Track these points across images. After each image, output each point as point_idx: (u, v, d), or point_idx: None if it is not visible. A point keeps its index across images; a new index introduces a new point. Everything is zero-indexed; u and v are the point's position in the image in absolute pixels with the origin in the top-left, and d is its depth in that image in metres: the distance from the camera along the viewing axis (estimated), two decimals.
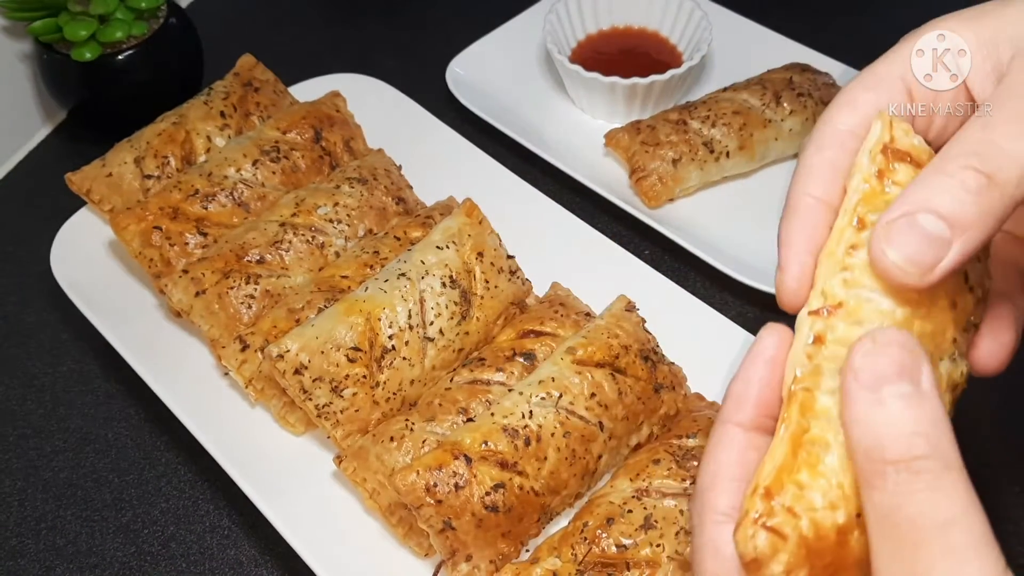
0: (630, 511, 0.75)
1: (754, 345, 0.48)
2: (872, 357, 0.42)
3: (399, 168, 1.03)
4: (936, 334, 0.46)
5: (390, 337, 0.83)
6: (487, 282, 0.88)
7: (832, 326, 0.45)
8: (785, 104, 1.06)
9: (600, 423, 0.79)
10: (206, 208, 0.94)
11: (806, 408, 0.44)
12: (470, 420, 0.80)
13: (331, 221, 0.94)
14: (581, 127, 1.15)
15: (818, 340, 0.45)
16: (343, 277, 0.90)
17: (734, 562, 0.45)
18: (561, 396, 0.79)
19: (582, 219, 0.99)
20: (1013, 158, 0.44)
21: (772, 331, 0.48)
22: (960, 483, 0.41)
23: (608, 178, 1.07)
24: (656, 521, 0.74)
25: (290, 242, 0.92)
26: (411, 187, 1.02)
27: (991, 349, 0.53)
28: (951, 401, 0.48)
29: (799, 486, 0.43)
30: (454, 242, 0.88)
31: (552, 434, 0.77)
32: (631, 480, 0.77)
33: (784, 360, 0.47)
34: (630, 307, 0.87)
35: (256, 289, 0.89)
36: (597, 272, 0.94)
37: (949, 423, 0.42)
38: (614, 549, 0.73)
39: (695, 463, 0.78)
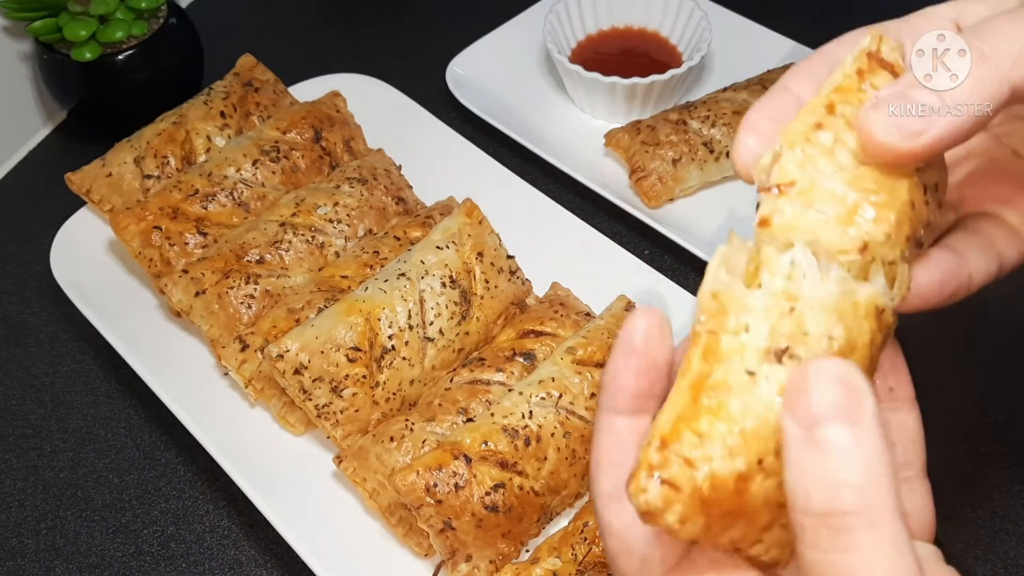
0: None
1: (623, 330, 0.45)
2: (806, 394, 0.39)
3: (399, 168, 1.03)
4: (889, 230, 0.44)
5: (390, 337, 0.83)
6: (487, 282, 0.88)
7: (780, 208, 0.43)
8: None
9: None
10: (206, 208, 0.94)
11: (708, 352, 0.42)
12: (470, 420, 0.80)
13: (331, 221, 0.94)
14: (581, 127, 1.15)
15: (763, 223, 0.44)
16: (343, 277, 0.90)
17: (625, 535, 0.44)
18: (561, 396, 0.79)
19: (582, 219, 0.99)
20: (1009, 39, 0.44)
21: (642, 314, 0.45)
22: (885, 544, 0.37)
23: (608, 178, 1.07)
24: None
25: (290, 242, 0.92)
26: (411, 187, 1.02)
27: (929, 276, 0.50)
28: (892, 316, 0.45)
29: (698, 434, 0.41)
30: (454, 242, 0.88)
31: (552, 434, 0.77)
32: None
33: (657, 341, 0.45)
34: (630, 307, 0.87)
35: (256, 289, 0.89)
36: (597, 272, 0.94)
37: (890, 465, 0.38)
38: None
39: None
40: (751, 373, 0.41)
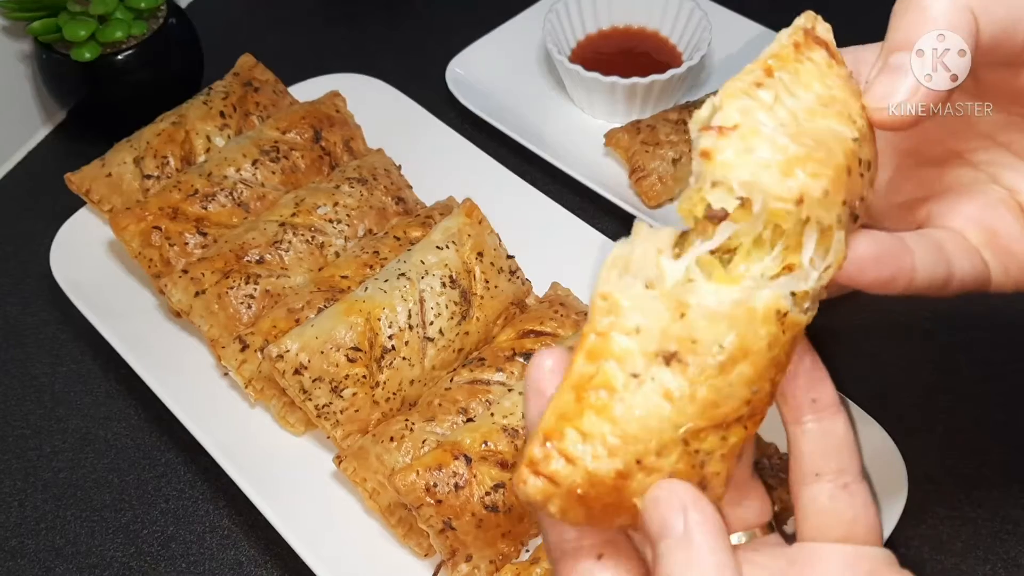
0: None
1: (529, 373, 0.46)
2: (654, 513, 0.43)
3: (399, 168, 1.03)
4: (827, 187, 0.44)
5: (390, 337, 0.83)
6: (487, 282, 0.88)
7: (721, 147, 0.44)
8: None
9: None
10: (206, 208, 0.94)
11: (593, 353, 0.43)
12: (470, 420, 0.80)
13: (331, 221, 0.94)
14: (581, 127, 1.15)
15: (704, 155, 0.44)
16: (343, 277, 0.90)
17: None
18: None
19: (582, 219, 0.99)
20: None
21: (547, 355, 0.46)
22: None
23: (608, 178, 1.07)
24: None
25: (290, 242, 0.92)
26: (411, 187, 1.02)
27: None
28: (804, 314, 0.45)
29: (580, 432, 0.42)
30: (454, 242, 0.88)
31: None
32: None
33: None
34: None
35: (256, 289, 0.89)
36: (597, 272, 0.94)
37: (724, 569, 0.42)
38: None
39: None
40: (635, 375, 0.42)
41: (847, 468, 0.49)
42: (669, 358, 0.42)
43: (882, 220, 0.59)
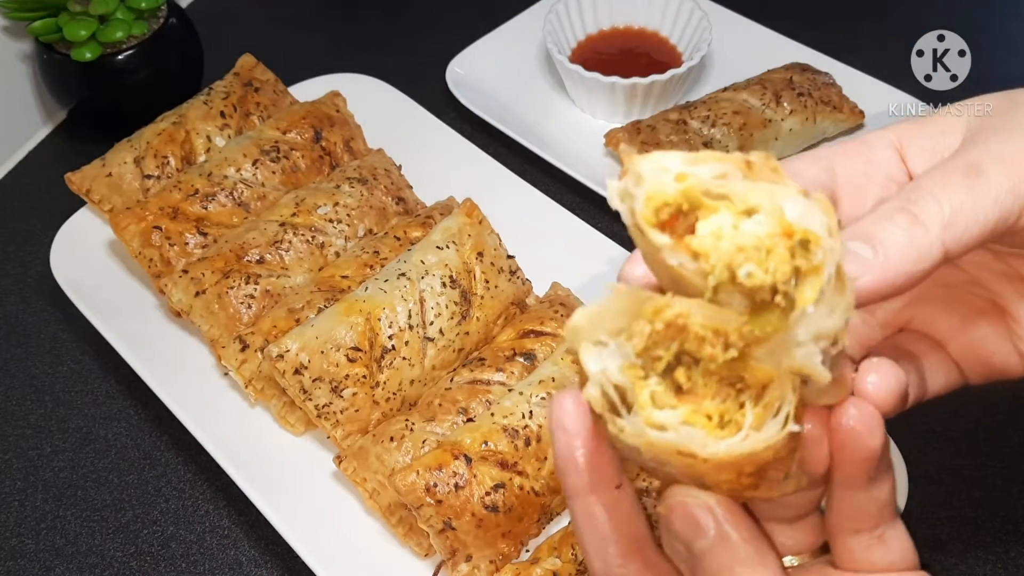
0: None
1: (554, 415, 0.45)
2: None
3: (399, 168, 1.03)
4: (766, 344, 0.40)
5: (390, 337, 0.83)
6: (487, 282, 0.88)
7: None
8: (785, 104, 1.06)
9: None
10: (206, 208, 0.94)
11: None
12: (470, 420, 0.80)
13: (331, 221, 0.94)
14: (581, 127, 1.15)
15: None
16: (343, 277, 0.90)
17: None
18: None
19: (582, 219, 0.99)
20: (940, 201, 0.46)
21: (567, 397, 0.45)
22: None
23: (608, 178, 1.07)
24: (656, 521, 0.74)
25: (290, 242, 0.92)
26: (411, 187, 1.02)
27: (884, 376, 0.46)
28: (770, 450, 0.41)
29: None
30: (454, 242, 0.88)
31: None
32: (631, 480, 0.77)
33: (587, 417, 0.44)
34: None
35: (256, 289, 0.89)
36: (597, 272, 0.94)
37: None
38: None
39: None
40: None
41: (884, 520, 0.49)
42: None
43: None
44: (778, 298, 0.39)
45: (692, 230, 0.40)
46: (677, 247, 0.40)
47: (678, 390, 0.41)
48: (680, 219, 0.40)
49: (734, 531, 0.44)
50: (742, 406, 0.41)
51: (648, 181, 0.41)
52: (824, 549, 0.51)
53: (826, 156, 0.52)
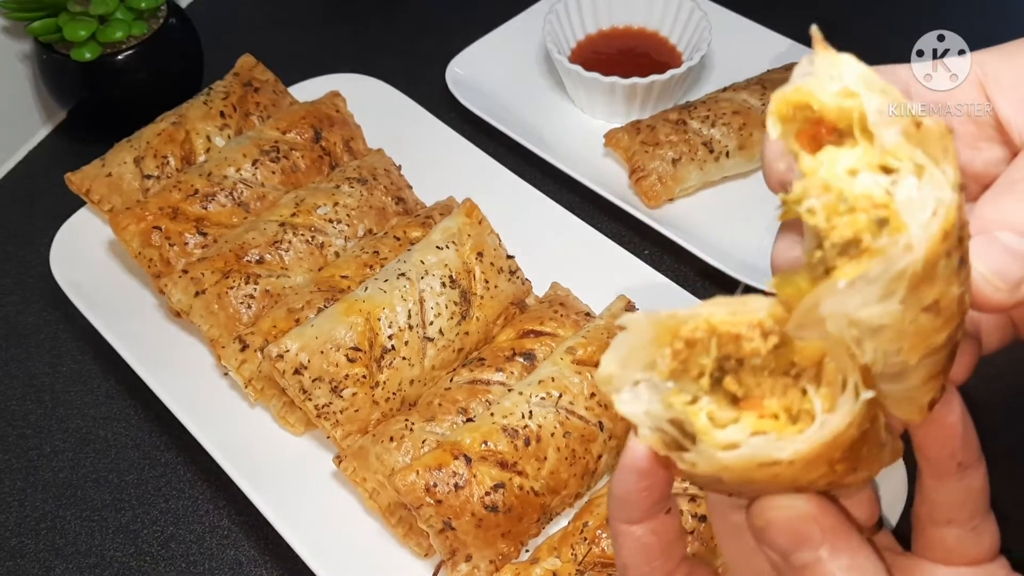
0: None
1: (627, 453, 0.43)
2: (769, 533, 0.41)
3: (399, 168, 1.03)
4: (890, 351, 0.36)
5: (390, 337, 0.83)
6: (487, 282, 0.88)
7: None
8: None
9: (600, 423, 0.79)
10: (206, 208, 0.94)
11: None
12: (470, 420, 0.80)
13: (331, 221, 0.94)
14: (581, 127, 1.15)
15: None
16: (343, 277, 0.90)
17: None
18: (561, 396, 0.79)
19: (582, 219, 0.99)
20: None
21: (640, 449, 0.43)
22: None
23: (608, 178, 1.07)
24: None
25: (290, 242, 0.92)
26: (411, 187, 1.02)
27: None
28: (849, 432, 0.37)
29: None
30: (454, 242, 0.88)
31: (552, 434, 0.77)
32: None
33: (656, 461, 0.42)
34: (630, 307, 0.87)
35: (256, 289, 0.89)
36: (597, 272, 0.94)
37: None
38: None
39: None
40: None
41: (979, 512, 0.47)
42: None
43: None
44: (819, 253, 0.35)
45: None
46: (788, 152, 0.36)
47: (734, 401, 0.38)
48: (815, 135, 0.36)
49: (840, 538, 0.41)
50: (804, 392, 0.37)
51: (818, 74, 0.36)
52: (879, 526, 0.50)
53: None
